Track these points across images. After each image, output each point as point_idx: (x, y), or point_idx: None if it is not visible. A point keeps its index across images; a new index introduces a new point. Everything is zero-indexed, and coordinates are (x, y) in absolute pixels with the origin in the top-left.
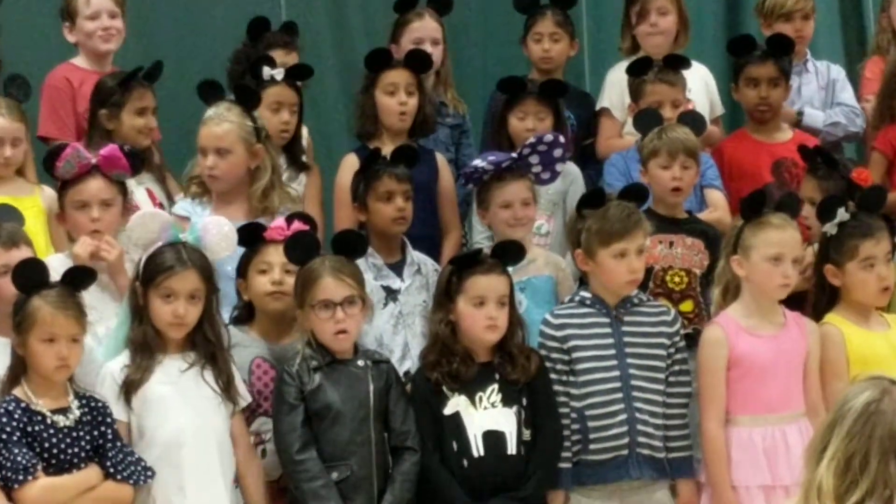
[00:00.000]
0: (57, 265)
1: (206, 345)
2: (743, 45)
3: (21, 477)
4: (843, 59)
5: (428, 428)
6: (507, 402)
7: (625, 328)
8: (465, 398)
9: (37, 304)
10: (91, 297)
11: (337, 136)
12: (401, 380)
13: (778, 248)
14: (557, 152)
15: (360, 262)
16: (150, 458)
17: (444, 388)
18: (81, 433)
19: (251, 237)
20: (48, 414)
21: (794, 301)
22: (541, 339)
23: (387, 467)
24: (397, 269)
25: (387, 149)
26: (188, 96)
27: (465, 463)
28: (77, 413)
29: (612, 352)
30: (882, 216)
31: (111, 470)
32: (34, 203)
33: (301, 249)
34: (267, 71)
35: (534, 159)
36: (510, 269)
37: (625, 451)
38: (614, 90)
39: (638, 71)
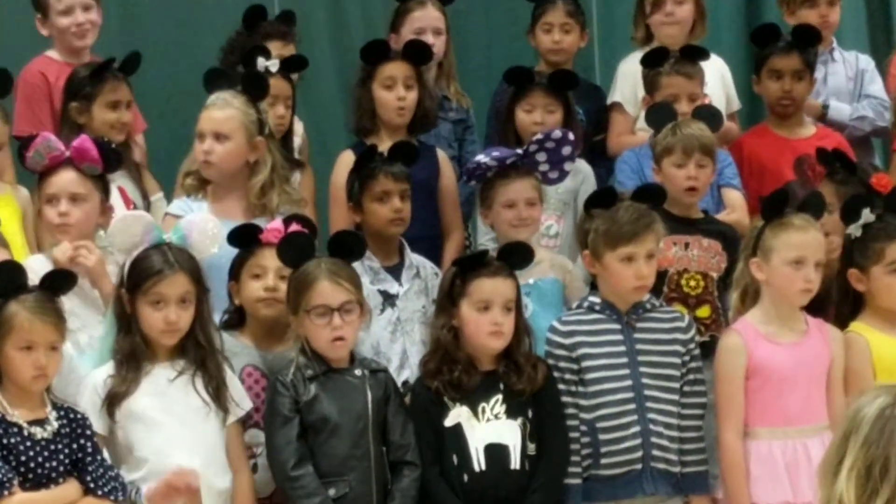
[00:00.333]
0: (37, 267)
1: (196, 350)
2: (766, 35)
3: None
4: (869, 54)
5: (428, 441)
6: (511, 413)
7: (637, 335)
8: (467, 409)
9: (13, 310)
10: (72, 303)
11: (333, 131)
12: (399, 390)
13: (800, 251)
14: (566, 150)
15: (356, 265)
16: (140, 474)
17: (445, 398)
18: (60, 446)
19: (246, 239)
20: (25, 426)
21: (817, 306)
22: (548, 346)
23: (386, 482)
24: (395, 272)
25: (385, 145)
26: (175, 88)
27: (466, 477)
28: (55, 425)
29: (624, 360)
30: None
31: (91, 485)
32: (9, 202)
33: (295, 251)
34: (262, 62)
35: (541, 157)
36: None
37: (638, 466)
38: (626, 83)
39: (653, 62)
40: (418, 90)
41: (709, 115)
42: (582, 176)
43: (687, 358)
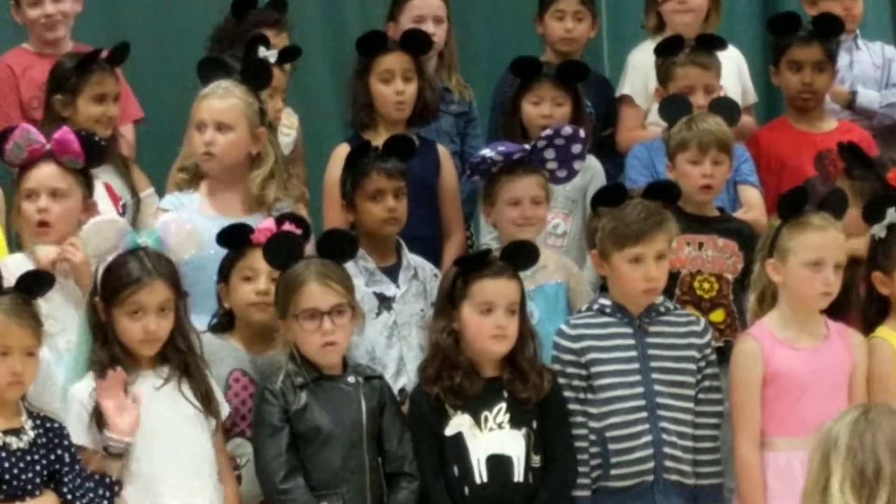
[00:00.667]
0: (14, 267)
1: (178, 355)
2: (785, 24)
3: None
4: (894, 47)
5: (427, 451)
6: (515, 423)
7: (650, 339)
8: (469, 417)
9: None
10: (51, 305)
11: (328, 125)
12: (396, 398)
13: (818, 253)
14: (576, 148)
15: (351, 265)
16: (135, 488)
17: (446, 406)
18: (36, 457)
19: (236, 239)
20: None
21: (838, 310)
22: (555, 351)
23: (382, 495)
24: (392, 273)
25: (383, 140)
26: (160, 78)
27: (467, 490)
28: (31, 434)
29: (636, 366)
30: None
31: (69, 497)
32: None
33: (282, 252)
34: (262, 52)
35: (549, 154)
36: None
37: (650, 477)
38: (637, 75)
39: (667, 51)
40: (418, 82)
41: (726, 108)
42: (591, 173)
43: (703, 364)
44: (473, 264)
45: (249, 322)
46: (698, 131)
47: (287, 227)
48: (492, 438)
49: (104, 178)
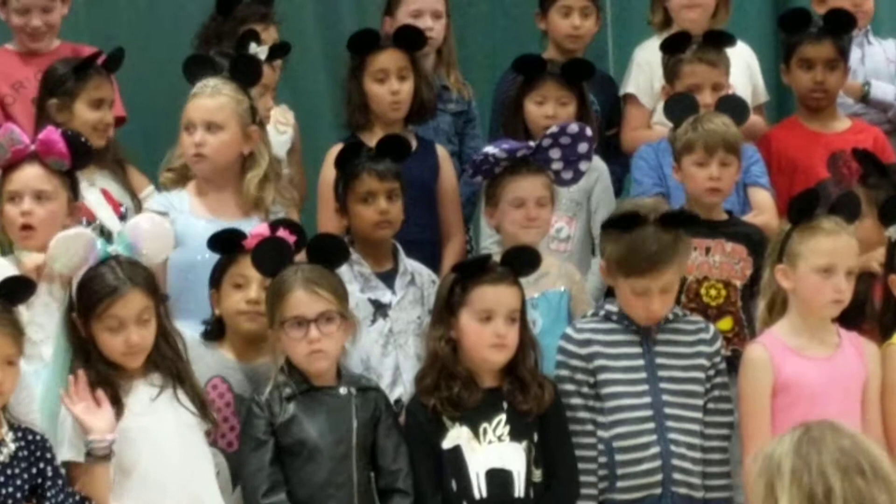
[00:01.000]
0: None
1: (166, 361)
2: (796, 21)
3: None
4: None
5: (424, 465)
6: (515, 436)
7: (657, 348)
8: (468, 429)
9: None
10: (35, 312)
11: (322, 125)
12: (392, 411)
13: (829, 259)
14: (582, 148)
15: (345, 271)
16: (144, 500)
17: (444, 417)
18: (17, 470)
19: (229, 244)
20: None
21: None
22: (562, 357)
23: None
24: (388, 279)
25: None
26: (145, 79)
27: None
28: (12, 447)
29: (643, 375)
30: None
31: None
32: None
33: (271, 258)
34: (252, 48)
35: (554, 153)
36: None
37: (658, 490)
38: (642, 73)
39: (674, 48)
40: (414, 79)
41: (734, 106)
42: (597, 174)
43: (712, 372)
44: (472, 270)
45: (238, 331)
46: (704, 132)
47: (281, 233)
48: (491, 452)
49: (101, 185)
